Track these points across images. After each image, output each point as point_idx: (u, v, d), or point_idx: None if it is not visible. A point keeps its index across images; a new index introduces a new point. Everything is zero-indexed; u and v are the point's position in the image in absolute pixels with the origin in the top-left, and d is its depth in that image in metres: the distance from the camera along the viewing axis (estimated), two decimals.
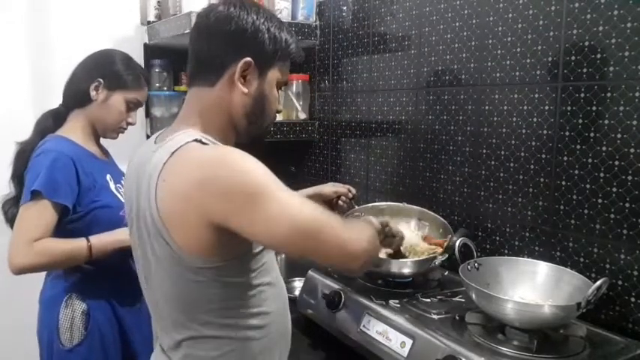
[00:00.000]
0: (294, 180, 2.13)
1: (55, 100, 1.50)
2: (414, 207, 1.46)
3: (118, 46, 1.89)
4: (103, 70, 1.41)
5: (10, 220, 1.46)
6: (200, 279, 0.87)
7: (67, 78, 1.45)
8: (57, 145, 1.35)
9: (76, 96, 1.42)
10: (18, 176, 1.41)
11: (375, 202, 1.75)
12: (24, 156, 1.40)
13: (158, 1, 1.91)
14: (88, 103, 1.41)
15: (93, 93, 1.39)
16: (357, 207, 1.49)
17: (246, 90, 0.92)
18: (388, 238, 1.17)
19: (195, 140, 0.86)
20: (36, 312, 1.44)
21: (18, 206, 1.43)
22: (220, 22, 0.91)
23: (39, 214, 1.27)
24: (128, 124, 1.46)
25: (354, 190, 1.52)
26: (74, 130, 1.41)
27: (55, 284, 1.41)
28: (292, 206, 0.82)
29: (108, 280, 1.39)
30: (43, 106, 1.86)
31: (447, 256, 1.28)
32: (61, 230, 1.30)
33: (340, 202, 1.49)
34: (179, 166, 0.83)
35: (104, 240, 1.33)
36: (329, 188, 1.50)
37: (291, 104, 1.96)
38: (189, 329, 0.91)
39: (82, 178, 1.32)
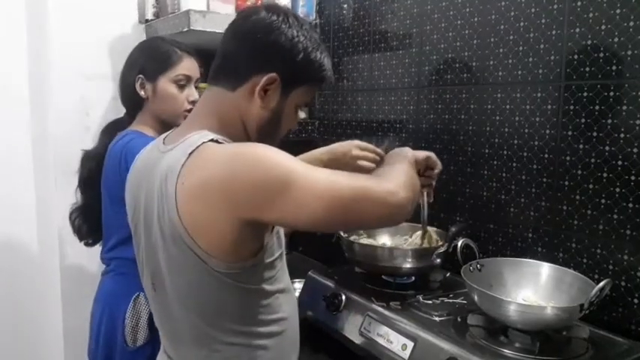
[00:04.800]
0: None
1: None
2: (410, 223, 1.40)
3: (116, 45, 1.90)
4: (137, 66, 1.39)
5: (77, 231, 1.47)
6: (221, 285, 0.85)
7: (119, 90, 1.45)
8: (143, 140, 1.29)
9: (132, 101, 1.41)
10: (85, 183, 1.42)
11: None
12: (90, 163, 1.40)
13: (156, 0, 1.90)
14: (143, 102, 1.39)
15: (141, 92, 1.38)
16: None
17: (263, 105, 0.88)
18: (428, 170, 1.12)
19: (212, 140, 0.84)
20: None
21: (84, 216, 1.44)
22: (257, 29, 0.87)
23: None
24: (191, 102, 1.39)
25: (380, 152, 1.26)
26: (145, 128, 1.39)
27: (118, 281, 1.37)
28: (323, 183, 0.80)
29: None
30: (40, 104, 1.86)
31: (446, 248, 1.27)
32: None
33: (364, 163, 1.25)
34: (199, 167, 0.81)
35: None
36: (348, 153, 1.26)
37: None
38: (208, 337, 0.89)
39: None
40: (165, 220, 0.83)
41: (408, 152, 1.05)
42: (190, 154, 0.82)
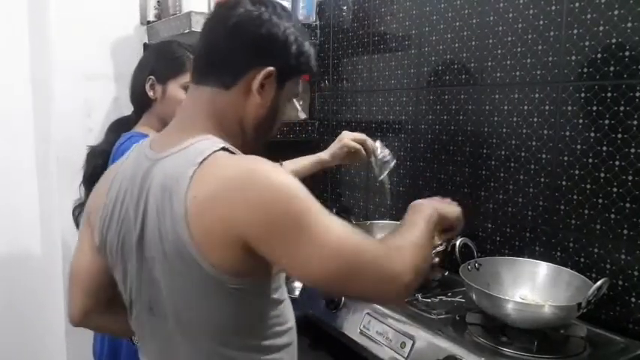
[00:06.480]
0: None
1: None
2: None
3: (118, 46, 1.91)
4: (149, 67, 1.40)
5: (79, 226, 1.48)
6: (235, 299, 0.79)
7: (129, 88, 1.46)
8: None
9: (141, 101, 1.42)
10: (90, 180, 1.41)
11: (376, 201, 1.75)
12: (96, 160, 1.40)
13: (158, 1, 1.91)
14: (151, 103, 1.40)
15: (150, 93, 1.39)
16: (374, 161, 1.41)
17: (262, 101, 0.85)
18: (447, 232, 1.04)
19: (223, 149, 0.79)
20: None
21: None
22: (249, 24, 0.82)
23: None
24: None
25: (370, 144, 1.38)
26: (151, 131, 1.39)
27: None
28: (335, 243, 0.74)
29: None
30: (42, 106, 1.87)
31: (444, 247, 1.28)
32: None
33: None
34: (213, 180, 0.75)
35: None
36: (330, 158, 1.41)
37: (291, 104, 1.96)
38: (221, 357, 0.83)
39: None
40: (167, 235, 0.77)
41: (434, 210, 0.93)
42: (200, 163, 0.76)
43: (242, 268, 0.77)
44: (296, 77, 0.90)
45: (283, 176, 0.76)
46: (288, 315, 0.90)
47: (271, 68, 0.83)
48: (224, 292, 0.78)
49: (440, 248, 1.29)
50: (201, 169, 0.75)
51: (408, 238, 0.84)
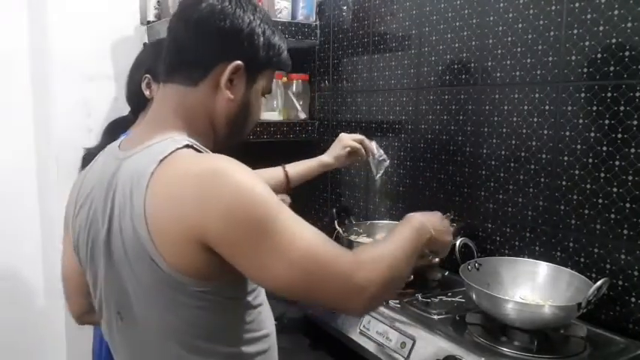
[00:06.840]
0: None
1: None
2: None
3: (118, 46, 1.91)
4: (146, 65, 1.39)
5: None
6: (198, 303, 0.76)
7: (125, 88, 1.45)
8: None
9: (137, 100, 1.41)
10: None
11: (376, 201, 1.75)
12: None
13: (158, 1, 1.91)
14: (148, 102, 1.39)
15: (147, 92, 1.38)
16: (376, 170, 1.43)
17: (232, 96, 0.82)
18: (433, 252, 1.08)
19: (187, 146, 0.77)
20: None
21: None
22: (213, 17, 0.80)
23: None
24: None
25: (367, 143, 1.40)
26: None
27: None
28: (304, 249, 0.72)
29: None
30: (42, 107, 1.87)
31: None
32: None
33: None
34: (173, 178, 0.72)
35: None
36: (333, 160, 1.39)
37: (291, 104, 1.96)
38: None
39: None
40: (129, 238, 0.74)
41: (425, 228, 0.92)
42: (162, 160, 0.74)
43: (207, 271, 0.74)
44: (267, 71, 0.88)
45: (249, 177, 0.73)
46: (265, 321, 0.87)
47: (239, 62, 0.81)
48: (190, 296, 0.75)
49: None
50: (161, 167, 0.73)
51: (382, 250, 0.83)
